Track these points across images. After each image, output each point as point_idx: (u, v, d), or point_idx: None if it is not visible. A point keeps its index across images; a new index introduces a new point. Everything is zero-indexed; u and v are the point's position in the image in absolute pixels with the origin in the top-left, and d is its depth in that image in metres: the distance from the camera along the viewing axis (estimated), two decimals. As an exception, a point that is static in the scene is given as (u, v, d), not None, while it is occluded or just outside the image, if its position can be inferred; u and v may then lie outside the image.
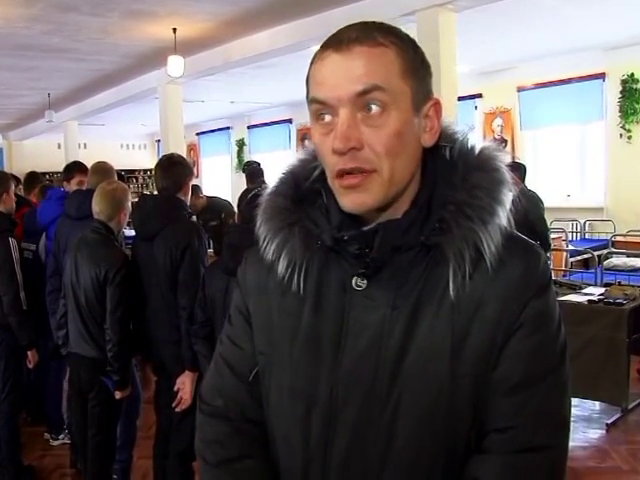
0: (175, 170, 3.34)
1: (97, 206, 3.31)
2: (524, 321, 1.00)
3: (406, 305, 1.02)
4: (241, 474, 1.12)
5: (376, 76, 0.96)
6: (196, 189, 6.71)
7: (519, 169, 6.29)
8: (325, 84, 0.98)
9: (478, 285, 1.01)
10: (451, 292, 1.00)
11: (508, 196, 1.04)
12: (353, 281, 1.05)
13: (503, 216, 1.03)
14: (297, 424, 1.07)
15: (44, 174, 11.26)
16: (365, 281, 1.04)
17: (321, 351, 1.05)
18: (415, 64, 1.02)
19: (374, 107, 0.97)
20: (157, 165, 3.43)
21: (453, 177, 1.04)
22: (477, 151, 1.07)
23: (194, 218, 3.53)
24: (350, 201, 1.00)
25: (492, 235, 1.00)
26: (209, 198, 7.09)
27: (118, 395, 3.25)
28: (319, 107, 1.00)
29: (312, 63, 1.02)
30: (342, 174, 0.99)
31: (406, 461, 1.01)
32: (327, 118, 0.99)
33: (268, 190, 1.14)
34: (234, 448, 1.13)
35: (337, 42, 0.98)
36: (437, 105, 1.04)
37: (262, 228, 1.11)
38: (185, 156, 7.22)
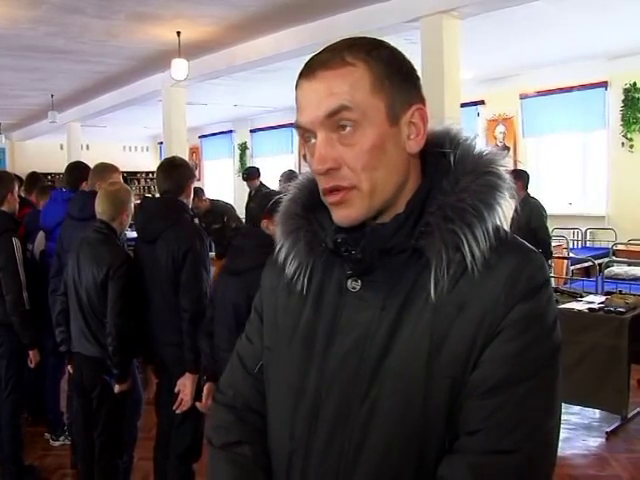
0: (177, 173, 3.35)
1: (100, 207, 3.34)
2: (507, 324, 0.99)
3: (393, 306, 1.04)
4: (238, 457, 1.19)
5: (341, 97, 1.00)
6: (199, 192, 6.72)
7: (522, 177, 6.30)
8: (301, 110, 1.04)
9: (462, 288, 1.02)
10: (432, 294, 1.01)
11: (502, 199, 1.05)
12: (348, 282, 1.09)
13: (493, 219, 1.03)
14: (286, 416, 1.13)
15: (46, 175, 11.28)
16: (359, 282, 1.08)
17: (314, 348, 1.10)
18: (389, 74, 1.03)
19: (347, 127, 1.01)
20: (159, 168, 3.44)
21: (446, 181, 1.06)
22: (477, 156, 1.08)
23: (196, 221, 3.55)
24: (337, 216, 1.06)
25: (478, 238, 1.01)
26: (212, 201, 7.10)
27: (117, 389, 3.25)
28: (302, 131, 1.06)
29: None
30: (326, 192, 1.05)
31: (378, 459, 1.04)
32: (312, 140, 1.05)
33: (286, 197, 1.20)
34: (235, 434, 1.21)
35: (306, 69, 1.04)
36: (421, 111, 1.05)
37: (277, 232, 1.19)
38: (187, 159, 7.24)
